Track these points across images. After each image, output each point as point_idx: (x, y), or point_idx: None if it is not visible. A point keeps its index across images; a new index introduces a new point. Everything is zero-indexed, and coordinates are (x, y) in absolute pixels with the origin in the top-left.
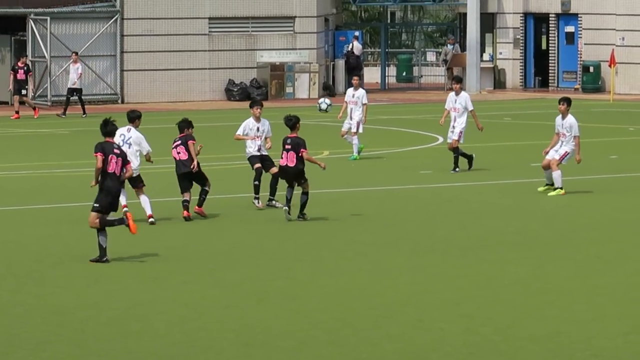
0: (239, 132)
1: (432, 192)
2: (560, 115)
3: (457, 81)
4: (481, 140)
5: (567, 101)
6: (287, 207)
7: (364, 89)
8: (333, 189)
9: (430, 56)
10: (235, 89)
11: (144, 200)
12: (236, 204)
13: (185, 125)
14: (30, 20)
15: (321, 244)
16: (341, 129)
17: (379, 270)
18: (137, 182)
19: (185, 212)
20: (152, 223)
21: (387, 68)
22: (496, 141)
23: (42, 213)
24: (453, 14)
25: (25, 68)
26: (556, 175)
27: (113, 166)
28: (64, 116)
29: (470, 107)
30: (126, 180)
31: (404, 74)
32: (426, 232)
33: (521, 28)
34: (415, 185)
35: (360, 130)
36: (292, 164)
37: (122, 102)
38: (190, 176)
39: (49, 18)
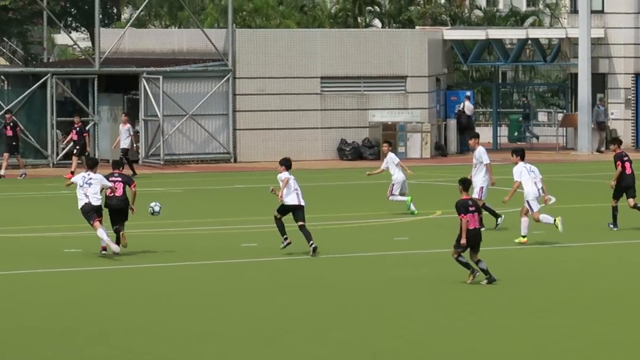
0: None
1: (541, 252)
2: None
3: (472, 136)
4: (591, 200)
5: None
6: (488, 277)
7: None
8: (442, 249)
9: (542, 116)
10: (348, 149)
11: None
12: (350, 264)
13: (121, 164)
14: (143, 79)
15: (433, 303)
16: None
17: (490, 331)
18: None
19: (123, 240)
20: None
21: (498, 128)
22: (603, 202)
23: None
24: (564, 74)
25: (78, 128)
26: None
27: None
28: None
29: (487, 161)
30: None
31: (516, 133)
32: (538, 291)
33: (632, 88)
34: (522, 246)
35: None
36: (479, 226)
37: (235, 161)
38: (120, 212)
39: (161, 77)
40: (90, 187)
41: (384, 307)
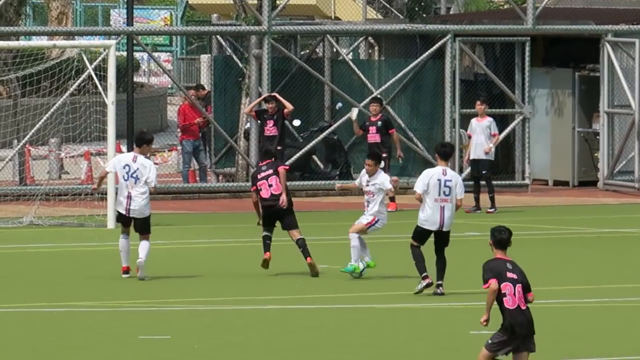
0: None
1: None
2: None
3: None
4: None
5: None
6: None
7: None
8: None
9: None
10: None
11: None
12: None
13: (273, 154)
14: (607, 44)
15: None
16: None
17: None
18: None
19: (266, 252)
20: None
21: None
22: None
23: None
24: None
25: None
26: None
27: None
28: None
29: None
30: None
31: None
32: None
33: None
34: None
35: None
36: None
37: None
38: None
39: (637, 41)
40: None
41: None
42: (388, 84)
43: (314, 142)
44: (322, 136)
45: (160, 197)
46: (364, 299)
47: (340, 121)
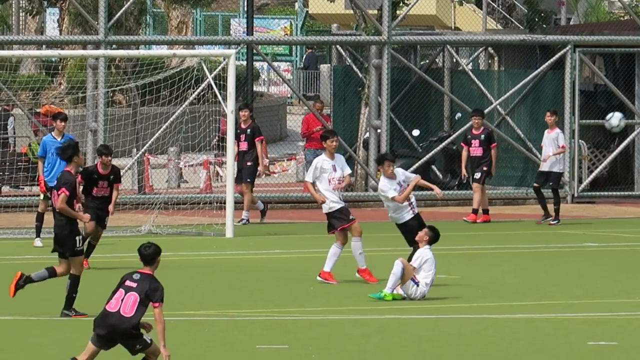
0: None
1: None
2: None
3: None
4: None
5: None
6: None
7: None
8: None
9: None
10: None
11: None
12: None
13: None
14: None
15: None
16: None
17: None
18: None
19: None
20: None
21: None
22: None
23: None
24: None
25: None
26: None
27: None
28: None
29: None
30: None
31: None
32: None
33: None
34: None
35: None
36: None
37: None
38: None
39: None
40: None
41: None
42: (507, 94)
43: (433, 152)
44: (441, 146)
45: (279, 207)
46: (484, 309)
47: (460, 131)
